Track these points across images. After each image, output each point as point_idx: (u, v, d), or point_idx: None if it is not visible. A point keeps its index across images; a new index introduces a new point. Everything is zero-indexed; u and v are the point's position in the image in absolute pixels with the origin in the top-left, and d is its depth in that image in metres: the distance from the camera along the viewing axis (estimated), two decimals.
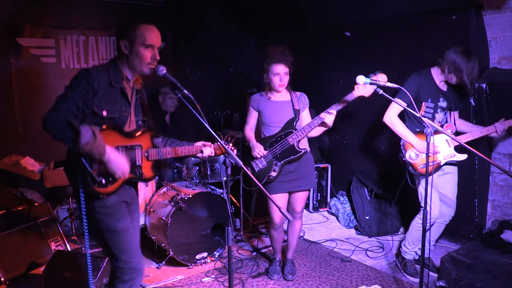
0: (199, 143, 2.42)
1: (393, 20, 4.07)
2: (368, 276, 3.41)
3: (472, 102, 3.59)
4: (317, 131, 3.11)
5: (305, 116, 3.25)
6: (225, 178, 2.45)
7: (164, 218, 3.46)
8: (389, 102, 3.07)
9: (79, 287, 2.73)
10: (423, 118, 2.50)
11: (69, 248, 3.63)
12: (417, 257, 3.50)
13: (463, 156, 3.20)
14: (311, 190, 4.97)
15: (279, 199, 3.18)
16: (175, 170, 4.26)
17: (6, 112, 4.36)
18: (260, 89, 3.50)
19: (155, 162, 2.32)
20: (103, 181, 2.05)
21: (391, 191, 4.42)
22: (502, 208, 3.71)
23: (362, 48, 4.48)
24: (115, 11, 4.86)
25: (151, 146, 2.30)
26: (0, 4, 3.99)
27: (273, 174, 3.15)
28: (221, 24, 5.52)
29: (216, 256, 3.69)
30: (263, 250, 3.96)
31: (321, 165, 5.01)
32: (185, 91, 2.08)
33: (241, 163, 1.96)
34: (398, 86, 2.61)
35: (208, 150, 2.41)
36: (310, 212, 5.04)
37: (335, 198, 4.95)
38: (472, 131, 3.18)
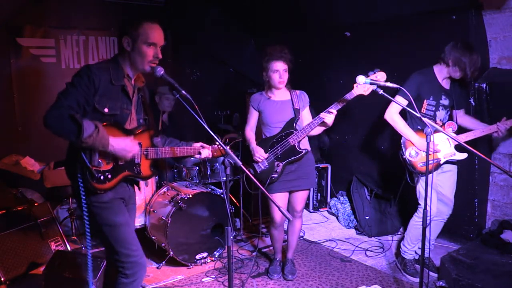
0: (198, 144, 2.43)
1: (393, 20, 4.07)
2: (368, 276, 3.41)
3: (472, 102, 3.59)
4: (317, 130, 3.11)
5: (306, 115, 3.25)
6: (224, 178, 2.44)
7: (164, 218, 3.46)
8: (389, 101, 3.07)
9: (79, 287, 2.73)
10: (423, 118, 2.49)
11: (69, 248, 3.63)
12: (417, 257, 3.50)
13: (463, 155, 3.20)
14: (311, 190, 4.97)
15: (280, 198, 3.19)
16: (175, 170, 4.26)
17: (6, 112, 4.36)
18: (260, 89, 3.50)
19: (153, 161, 2.33)
20: (102, 177, 2.07)
21: (391, 191, 4.42)
22: (502, 208, 3.71)
23: (362, 48, 4.48)
24: (115, 11, 4.86)
25: (150, 145, 2.31)
26: (0, 4, 3.99)
27: (275, 175, 3.15)
28: (221, 24, 5.52)
29: (216, 256, 3.69)
30: (263, 250, 3.96)
31: (321, 165, 5.01)
32: (183, 92, 2.08)
33: (240, 163, 1.97)
34: (398, 86, 2.61)
35: (206, 152, 2.42)
36: (310, 212, 5.04)
37: (335, 198, 4.95)
38: (475, 130, 3.18)
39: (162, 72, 2.14)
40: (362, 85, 2.87)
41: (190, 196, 3.49)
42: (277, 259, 3.51)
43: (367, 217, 4.34)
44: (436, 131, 2.89)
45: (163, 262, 3.55)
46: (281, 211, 1.97)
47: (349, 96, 2.95)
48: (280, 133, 3.15)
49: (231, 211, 3.88)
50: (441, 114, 3.22)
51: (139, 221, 3.77)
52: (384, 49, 4.25)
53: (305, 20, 4.84)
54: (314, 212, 5.04)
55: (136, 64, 2.17)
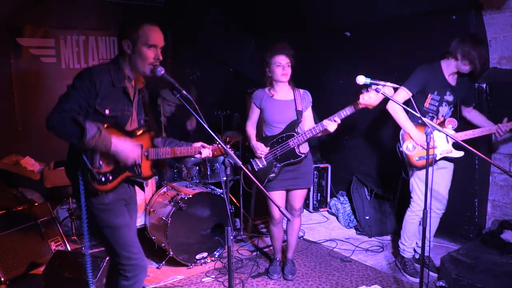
0: (198, 144, 2.43)
1: (393, 20, 4.07)
2: (368, 276, 3.41)
3: (473, 101, 3.59)
4: (318, 133, 3.12)
5: (308, 115, 3.25)
6: (224, 178, 2.45)
7: (164, 218, 3.46)
8: (389, 101, 3.07)
9: (79, 287, 2.73)
10: (423, 118, 2.50)
11: (69, 248, 3.63)
12: (416, 256, 3.50)
13: (459, 153, 3.20)
14: (311, 190, 4.97)
15: (277, 196, 3.19)
16: (175, 170, 4.26)
17: (6, 112, 4.36)
18: (260, 88, 3.49)
19: (154, 161, 2.33)
20: (103, 179, 2.07)
21: (391, 191, 4.42)
22: (502, 208, 3.71)
23: (362, 48, 4.47)
24: (115, 11, 4.86)
25: (151, 145, 2.31)
26: (0, 4, 3.99)
27: (273, 174, 3.16)
28: (221, 24, 5.52)
29: (216, 256, 3.69)
30: (263, 250, 3.96)
31: (321, 165, 5.01)
32: (184, 92, 2.08)
33: (240, 163, 1.97)
34: (398, 86, 2.61)
35: (207, 152, 2.42)
36: (310, 212, 5.04)
37: (335, 198, 4.95)
38: (474, 130, 3.17)
39: (162, 72, 2.14)
40: (368, 96, 2.82)
41: (190, 196, 3.49)
42: (277, 259, 3.51)
43: (367, 217, 4.34)
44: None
45: (163, 262, 3.55)
46: (281, 211, 1.97)
47: (355, 107, 2.90)
48: (281, 134, 3.15)
49: (231, 211, 3.89)
50: (444, 109, 3.21)
51: (139, 221, 3.77)
52: (384, 49, 4.25)
53: (305, 20, 4.84)
54: (314, 212, 5.04)
55: (137, 67, 2.17)
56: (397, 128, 3.30)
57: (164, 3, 5.21)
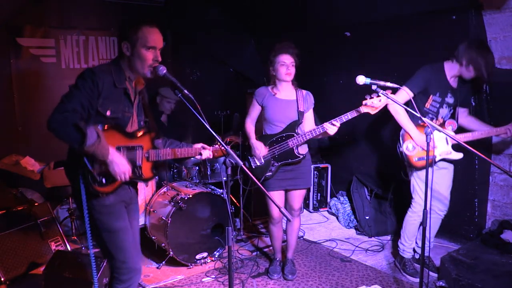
0: (198, 145, 2.43)
1: (393, 20, 4.07)
2: (368, 276, 3.41)
3: (472, 102, 3.59)
4: (318, 136, 3.12)
5: (308, 117, 3.25)
6: (225, 178, 2.44)
7: (164, 218, 3.46)
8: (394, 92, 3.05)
9: (79, 287, 2.74)
10: (423, 118, 2.50)
11: (69, 248, 3.63)
12: (416, 256, 3.50)
13: (458, 155, 3.20)
14: (311, 190, 4.97)
15: (276, 196, 3.19)
16: (175, 170, 4.26)
17: (6, 112, 4.36)
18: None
19: (154, 163, 2.33)
20: (103, 180, 2.07)
21: (391, 191, 4.42)
22: (502, 208, 3.71)
23: (362, 48, 4.47)
24: (115, 11, 4.85)
25: (152, 147, 2.31)
26: (0, 4, 3.98)
27: (269, 173, 3.16)
28: (221, 24, 5.51)
29: (216, 256, 3.68)
30: (263, 250, 3.96)
31: (321, 165, 5.01)
32: (185, 91, 2.08)
33: (241, 163, 1.97)
34: (398, 86, 2.60)
35: (207, 153, 2.42)
36: (310, 212, 5.04)
37: (335, 198, 4.95)
38: (473, 132, 3.17)
39: (164, 71, 2.13)
40: (371, 103, 2.83)
41: (190, 196, 3.49)
42: (277, 259, 3.51)
43: (367, 217, 4.34)
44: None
45: (163, 262, 3.55)
46: (281, 211, 1.97)
47: (356, 112, 2.90)
48: (280, 134, 3.15)
49: (231, 211, 3.88)
50: (444, 111, 3.21)
51: (139, 221, 3.76)
52: (384, 49, 4.25)
53: (305, 20, 4.84)
54: (314, 212, 5.04)
55: (136, 68, 2.16)
56: (397, 128, 3.30)
57: (164, 3, 5.20)
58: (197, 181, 4.12)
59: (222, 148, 2.02)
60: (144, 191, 3.84)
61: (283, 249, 3.59)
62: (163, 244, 3.56)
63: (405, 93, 3.10)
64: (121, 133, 2.15)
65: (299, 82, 3.28)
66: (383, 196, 4.47)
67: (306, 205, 5.05)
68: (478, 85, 3.30)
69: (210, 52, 5.69)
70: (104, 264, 2.83)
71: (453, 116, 3.30)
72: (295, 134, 3.11)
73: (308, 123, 3.22)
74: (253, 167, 3.17)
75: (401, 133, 3.24)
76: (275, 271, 3.42)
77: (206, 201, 3.63)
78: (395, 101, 2.78)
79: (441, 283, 3.05)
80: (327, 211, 5.06)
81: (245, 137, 3.34)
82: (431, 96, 3.16)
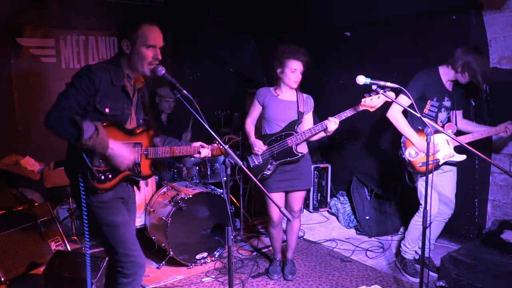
0: (197, 144, 2.43)
1: (393, 20, 4.07)
2: (368, 276, 3.41)
3: (472, 102, 3.59)
4: (316, 136, 3.11)
5: (308, 119, 3.25)
6: (225, 178, 2.45)
7: (164, 218, 3.46)
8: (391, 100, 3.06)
9: (79, 287, 2.73)
10: (423, 119, 2.50)
11: (69, 248, 3.63)
12: (417, 257, 3.50)
13: (462, 157, 3.20)
14: (311, 190, 4.97)
15: (276, 198, 3.18)
16: (175, 170, 4.26)
17: (6, 112, 4.36)
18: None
19: (153, 160, 2.33)
20: (102, 177, 2.07)
21: (391, 191, 4.42)
22: (502, 208, 3.71)
23: (362, 48, 4.47)
24: (115, 11, 4.85)
25: (150, 144, 2.31)
26: (0, 4, 3.98)
27: (267, 172, 3.15)
28: (221, 24, 5.52)
29: (216, 256, 3.68)
30: (263, 250, 3.96)
31: (321, 165, 5.01)
32: (184, 91, 2.08)
33: (240, 163, 1.97)
34: (398, 86, 2.61)
35: (206, 151, 2.42)
36: (310, 212, 5.04)
37: (335, 198, 4.95)
38: (476, 132, 3.17)
39: (163, 72, 2.14)
40: (370, 101, 2.83)
41: (190, 196, 3.49)
42: (277, 259, 3.51)
43: (367, 217, 4.34)
44: (436, 131, 2.89)
45: (163, 262, 3.55)
46: (281, 211, 1.97)
47: (355, 109, 2.91)
48: (279, 133, 3.15)
49: (231, 211, 3.88)
50: (442, 115, 3.22)
51: (139, 221, 3.77)
52: (384, 49, 4.25)
53: (305, 20, 4.84)
54: (314, 212, 5.04)
55: (136, 67, 2.17)
56: (397, 131, 3.29)
57: (164, 3, 5.20)
58: (197, 181, 4.12)
59: (221, 147, 2.02)
60: (144, 190, 3.84)
61: (283, 249, 3.59)
62: (163, 244, 3.56)
63: (404, 99, 3.10)
64: (120, 130, 2.15)
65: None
66: (383, 196, 4.47)
67: (306, 205, 5.05)
68: (473, 89, 3.31)
69: (210, 52, 5.69)
70: (104, 264, 2.83)
71: (449, 120, 3.31)
72: (294, 133, 3.11)
73: (307, 126, 3.22)
74: (251, 166, 3.17)
75: (402, 140, 3.24)
76: (275, 271, 3.42)
77: (206, 201, 3.63)
78: (395, 101, 2.79)
79: (441, 283, 3.05)
80: (327, 211, 5.06)
81: (245, 136, 3.34)
82: (428, 101, 3.17)
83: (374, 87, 2.71)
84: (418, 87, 3.11)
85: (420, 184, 3.25)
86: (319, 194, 5.08)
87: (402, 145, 3.23)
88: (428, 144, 2.48)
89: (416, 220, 3.33)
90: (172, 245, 3.44)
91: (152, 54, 2.15)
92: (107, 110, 2.08)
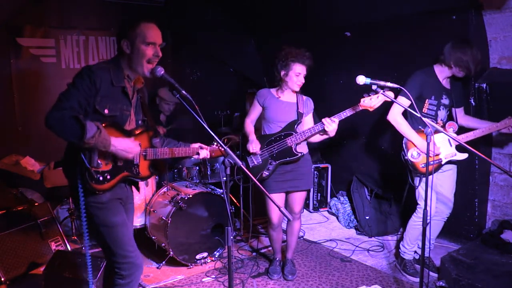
0: (196, 145, 2.43)
1: (393, 20, 4.07)
2: (368, 276, 3.41)
3: (472, 102, 3.59)
4: (318, 138, 3.11)
5: (308, 121, 3.25)
6: (225, 178, 2.44)
7: (164, 218, 3.46)
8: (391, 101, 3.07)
9: (79, 287, 2.73)
10: (423, 119, 2.49)
11: (69, 248, 3.63)
12: (417, 257, 3.50)
13: (463, 155, 3.20)
14: (311, 190, 4.97)
15: (276, 198, 3.17)
16: (175, 170, 4.26)
17: (6, 112, 4.36)
18: (261, 88, 3.48)
19: (152, 161, 2.33)
20: (100, 178, 2.07)
21: (391, 191, 4.42)
22: (502, 208, 3.71)
23: (362, 48, 4.47)
24: (115, 11, 4.85)
25: (149, 145, 2.31)
26: (0, 4, 3.98)
27: (266, 173, 3.15)
28: (221, 24, 5.52)
29: (216, 256, 3.69)
30: (263, 250, 3.96)
31: (321, 165, 5.01)
32: (183, 92, 2.07)
33: (240, 163, 1.97)
34: (398, 86, 2.61)
35: (205, 153, 2.42)
36: (310, 212, 5.04)
37: (335, 198, 4.95)
38: (474, 130, 3.17)
39: (162, 72, 2.13)
40: (369, 100, 2.83)
41: (190, 196, 3.49)
42: (277, 259, 3.51)
43: (367, 217, 4.34)
44: (436, 131, 2.89)
45: (163, 262, 3.55)
46: (281, 211, 1.97)
47: (355, 109, 2.91)
48: (279, 133, 3.15)
49: (231, 211, 3.88)
50: (442, 113, 3.22)
51: (139, 221, 3.77)
52: (384, 49, 4.25)
53: (305, 20, 4.84)
54: (314, 212, 5.04)
55: (136, 66, 2.16)
56: (398, 134, 3.28)
57: (164, 3, 5.20)
58: (197, 181, 4.12)
59: (221, 148, 2.02)
60: (144, 191, 3.84)
61: (283, 249, 3.59)
62: (163, 244, 3.56)
63: (403, 100, 3.10)
64: (119, 131, 2.15)
65: None
66: (383, 196, 4.47)
67: (306, 205, 5.05)
68: (466, 83, 3.31)
69: (210, 52, 5.69)
70: (104, 264, 2.83)
71: (450, 117, 3.31)
72: (294, 133, 3.11)
73: (307, 127, 3.21)
74: (250, 166, 3.16)
75: (403, 141, 3.24)
76: (275, 271, 3.42)
77: (206, 201, 3.63)
78: (394, 100, 2.78)
79: (441, 283, 3.05)
80: (327, 211, 5.06)
81: (245, 137, 3.34)
82: (427, 100, 3.17)
83: (374, 87, 2.71)
84: (415, 86, 3.12)
85: (421, 185, 3.25)
86: (319, 194, 5.08)
87: (404, 146, 3.23)
88: (428, 144, 2.48)
89: (414, 221, 3.33)
90: (172, 245, 3.44)
91: (152, 51, 2.14)
92: (106, 111, 2.08)
